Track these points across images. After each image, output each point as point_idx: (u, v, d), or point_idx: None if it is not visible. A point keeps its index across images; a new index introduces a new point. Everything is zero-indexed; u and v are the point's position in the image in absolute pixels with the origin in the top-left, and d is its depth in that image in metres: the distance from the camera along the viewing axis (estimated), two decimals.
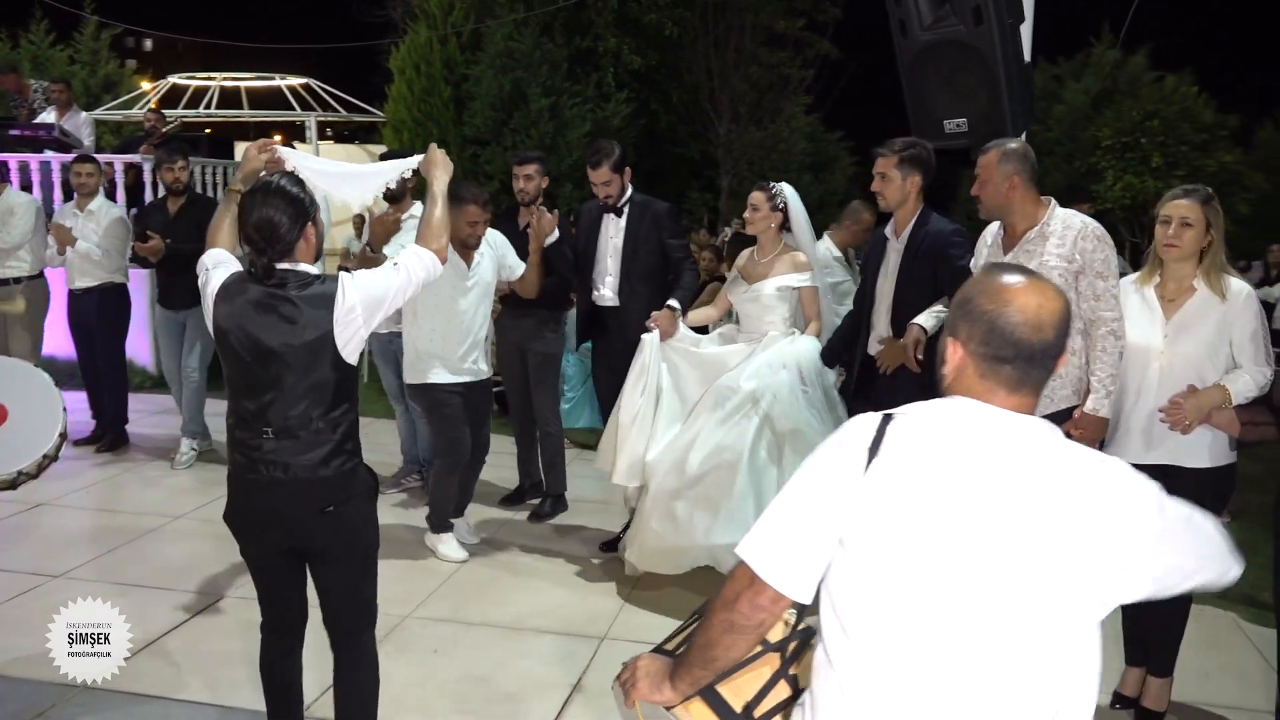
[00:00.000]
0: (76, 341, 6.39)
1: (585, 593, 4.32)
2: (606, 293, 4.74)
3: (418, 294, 2.70)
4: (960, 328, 1.55)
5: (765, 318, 4.35)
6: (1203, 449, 3.12)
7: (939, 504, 1.45)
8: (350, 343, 2.46)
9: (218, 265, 2.58)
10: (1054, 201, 3.40)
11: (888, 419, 1.53)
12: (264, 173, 2.74)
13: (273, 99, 14.14)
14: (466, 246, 4.42)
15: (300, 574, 2.65)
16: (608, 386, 4.70)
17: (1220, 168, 11.94)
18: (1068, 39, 14.79)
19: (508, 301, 5.07)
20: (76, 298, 6.24)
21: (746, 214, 4.43)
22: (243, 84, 14.24)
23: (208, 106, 13.17)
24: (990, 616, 1.44)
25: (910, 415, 1.54)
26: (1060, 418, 3.18)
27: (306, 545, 2.55)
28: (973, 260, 3.64)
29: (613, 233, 4.70)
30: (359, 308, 2.46)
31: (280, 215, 2.44)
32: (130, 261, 6.30)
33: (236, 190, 2.69)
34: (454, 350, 4.48)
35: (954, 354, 1.56)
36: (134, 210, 7.57)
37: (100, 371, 6.36)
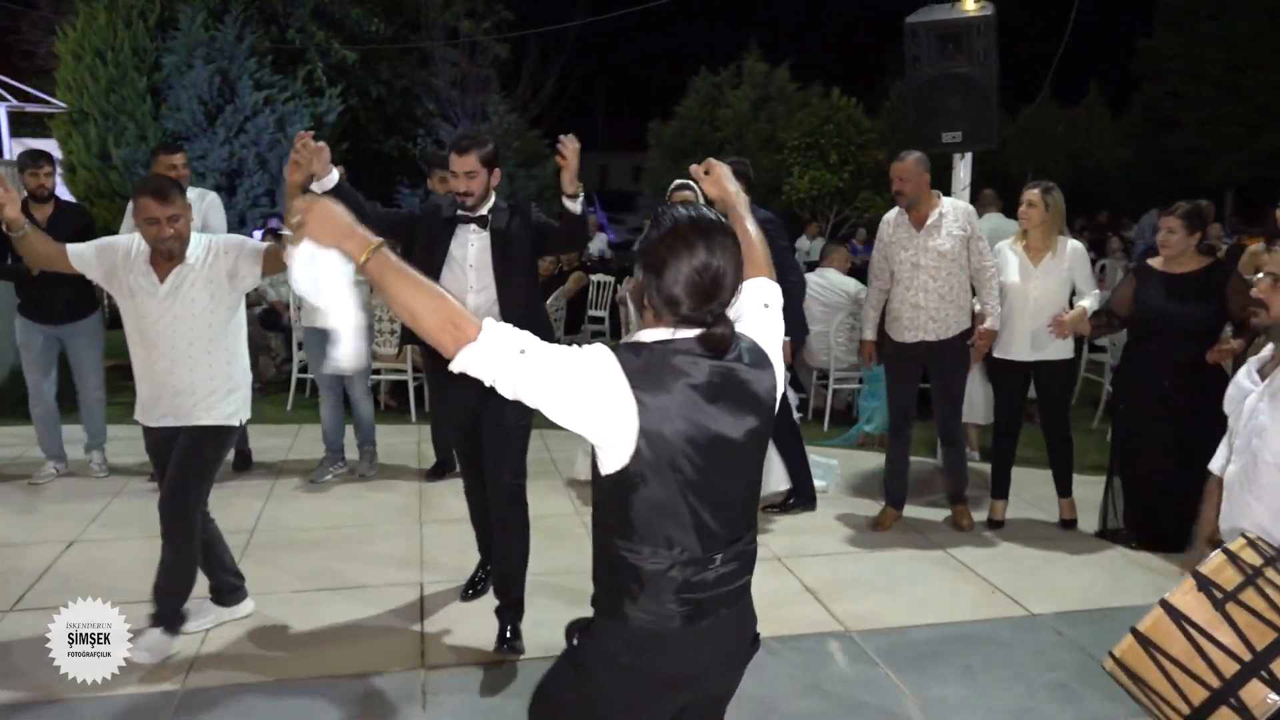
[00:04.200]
0: None
1: None
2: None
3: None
4: None
5: None
6: (1065, 347, 4.78)
7: None
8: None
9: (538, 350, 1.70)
10: (938, 192, 4.80)
11: None
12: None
13: None
14: (168, 258, 3.39)
15: None
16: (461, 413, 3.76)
17: (876, 163, 14.74)
18: (723, 52, 17.01)
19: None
20: None
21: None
22: None
23: None
24: None
25: None
26: (963, 337, 4.78)
27: (714, 696, 1.93)
28: (880, 239, 4.87)
29: (474, 241, 3.67)
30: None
31: (731, 266, 1.75)
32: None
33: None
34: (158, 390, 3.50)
35: None
36: None
37: None
